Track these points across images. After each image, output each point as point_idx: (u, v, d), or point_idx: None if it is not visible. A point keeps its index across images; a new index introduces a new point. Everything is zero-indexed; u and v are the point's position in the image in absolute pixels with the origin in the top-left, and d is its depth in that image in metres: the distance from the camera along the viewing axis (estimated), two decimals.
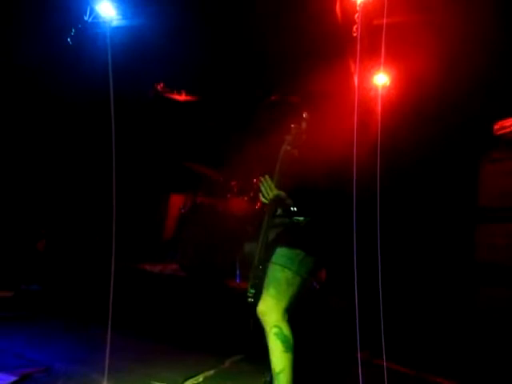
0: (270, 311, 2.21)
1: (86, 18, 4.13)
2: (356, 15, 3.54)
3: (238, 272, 4.40)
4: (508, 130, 3.74)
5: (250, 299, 2.26)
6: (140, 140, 5.46)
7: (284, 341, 2.17)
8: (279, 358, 2.17)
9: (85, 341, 3.03)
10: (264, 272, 2.28)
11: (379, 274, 1.98)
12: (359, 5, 3.66)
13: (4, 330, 3.17)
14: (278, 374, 2.16)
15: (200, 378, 2.70)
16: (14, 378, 2.39)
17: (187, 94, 5.23)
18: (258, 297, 2.28)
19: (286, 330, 2.19)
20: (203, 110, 5.17)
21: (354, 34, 3.70)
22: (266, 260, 2.30)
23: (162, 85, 5.11)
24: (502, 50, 4.03)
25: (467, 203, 3.94)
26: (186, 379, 2.65)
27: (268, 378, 2.28)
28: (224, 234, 4.58)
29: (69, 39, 4.25)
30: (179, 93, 5.21)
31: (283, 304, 2.22)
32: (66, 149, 5.15)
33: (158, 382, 2.55)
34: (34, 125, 4.77)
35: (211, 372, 2.82)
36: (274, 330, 2.18)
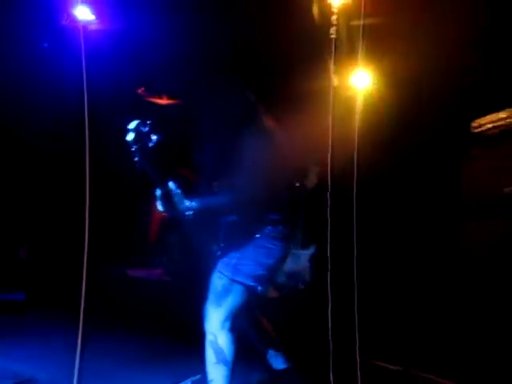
0: (209, 318, 2.13)
1: (62, 22, 4.08)
2: (333, 17, 3.56)
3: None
4: (485, 127, 3.81)
5: None
6: (121, 144, 5.41)
7: (217, 352, 2.08)
8: (210, 369, 2.11)
9: (68, 349, 2.99)
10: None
11: (355, 272, 1.99)
12: (337, 6, 3.69)
13: None
14: (209, 382, 2.12)
15: (188, 383, 2.68)
16: None
17: (169, 97, 5.20)
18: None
19: (222, 341, 2.08)
20: (185, 113, 5.15)
21: (332, 36, 3.72)
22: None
23: (142, 89, 5.08)
24: (480, 49, 4.10)
25: (450, 201, 4.00)
26: None
27: (196, 378, 2.29)
28: (207, 236, 4.56)
29: (45, 43, 4.20)
30: (160, 97, 5.18)
31: (222, 312, 2.10)
32: (43, 155, 5.09)
33: None
34: (9, 130, 4.70)
35: (198, 376, 2.80)
36: (210, 337, 2.11)
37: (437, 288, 3.85)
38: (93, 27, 3.92)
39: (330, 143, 1.98)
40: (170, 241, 4.77)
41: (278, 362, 2.39)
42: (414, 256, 4.13)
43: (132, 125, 2.10)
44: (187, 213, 2.17)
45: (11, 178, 4.92)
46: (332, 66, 4.20)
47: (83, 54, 2.19)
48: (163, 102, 5.24)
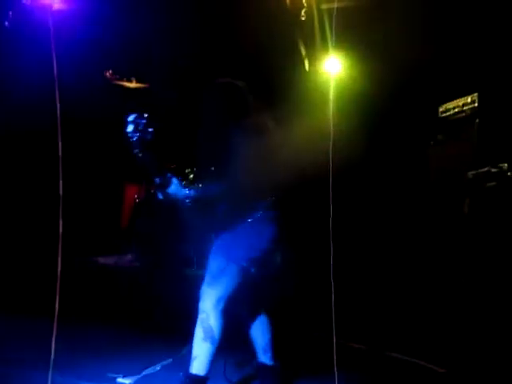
0: (204, 297, 2.20)
1: (24, 1, 3.91)
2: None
3: (194, 260, 4.39)
4: (452, 112, 3.90)
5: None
6: (91, 129, 5.28)
7: (206, 329, 2.17)
8: (197, 345, 2.20)
9: (35, 338, 2.94)
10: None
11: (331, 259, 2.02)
12: None
13: None
14: (193, 359, 2.20)
15: (157, 367, 2.69)
16: None
17: (138, 81, 5.09)
18: None
19: (213, 320, 2.17)
20: (154, 96, 5.06)
21: (303, 18, 3.72)
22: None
23: (110, 72, 4.96)
24: (449, 35, 4.17)
25: (419, 181, 4.08)
26: (144, 369, 2.62)
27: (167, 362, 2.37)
28: (178, 223, 4.54)
29: (6, 22, 4.02)
30: (129, 80, 5.07)
31: (217, 292, 2.18)
32: (12, 140, 4.92)
33: (114, 374, 2.52)
34: None
35: (169, 361, 2.81)
36: (202, 315, 2.19)
37: (410, 271, 3.96)
38: (55, 6, 3.78)
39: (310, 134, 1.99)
40: (141, 227, 4.72)
41: (266, 358, 2.43)
42: (387, 240, 4.23)
43: (131, 117, 2.18)
44: (185, 201, 2.28)
45: None
46: (303, 50, 4.21)
47: (52, 34, 2.11)
48: (132, 85, 5.15)
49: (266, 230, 2.27)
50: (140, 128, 2.17)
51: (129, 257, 4.67)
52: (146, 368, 2.64)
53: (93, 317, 3.48)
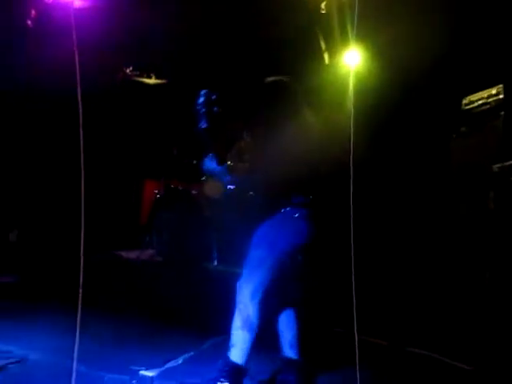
0: (241, 289, 2.28)
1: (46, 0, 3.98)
2: None
3: (214, 255, 4.41)
4: (476, 104, 3.80)
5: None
6: (111, 126, 5.34)
7: (244, 319, 2.23)
8: (235, 333, 2.26)
9: (60, 329, 3.00)
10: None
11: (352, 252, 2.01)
12: None
13: None
14: (231, 346, 2.27)
15: (179, 361, 2.71)
16: None
17: (157, 77, 5.12)
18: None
19: (251, 310, 2.24)
20: (174, 92, 5.08)
21: (323, 11, 3.68)
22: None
23: (130, 68, 4.99)
24: (473, 25, 4.07)
25: (441, 177, 4.00)
26: (166, 362, 2.65)
27: (189, 355, 2.52)
28: (199, 217, 4.57)
29: (29, 21, 4.08)
30: (149, 76, 5.10)
31: (254, 283, 2.25)
32: (34, 138, 5.01)
33: (137, 366, 2.54)
34: None
35: (190, 354, 2.83)
36: (240, 305, 2.26)
37: (433, 266, 3.89)
38: (77, 3, 3.82)
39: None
40: (161, 222, 4.76)
41: (291, 352, 2.47)
42: (409, 236, 4.17)
43: (203, 91, 2.38)
44: (229, 186, 2.47)
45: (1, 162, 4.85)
46: (323, 43, 4.17)
47: (74, 31, 2.13)
48: (151, 81, 5.18)
49: (303, 225, 2.34)
50: (210, 102, 2.34)
51: (150, 251, 4.72)
52: (169, 361, 2.67)
53: (115, 310, 3.53)
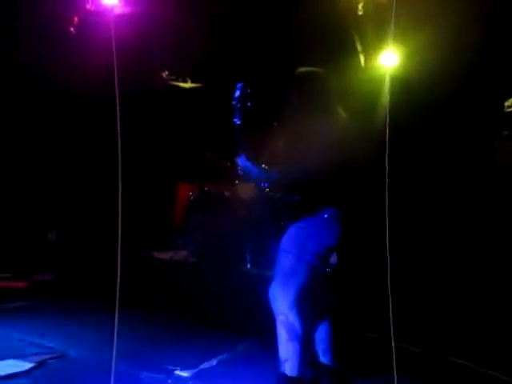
0: (278, 298, 2.18)
1: (88, 7, 4.11)
2: None
3: (247, 257, 4.41)
4: None
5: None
6: (146, 129, 5.45)
7: (289, 330, 2.14)
8: (284, 347, 2.16)
9: (97, 327, 3.07)
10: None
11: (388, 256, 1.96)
12: None
13: (19, 319, 3.22)
14: (284, 361, 2.17)
15: (214, 362, 2.72)
16: (30, 365, 2.43)
17: (193, 81, 5.20)
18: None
19: (293, 319, 2.15)
20: (209, 96, 5.14)
21: (360, 13, 3.64)
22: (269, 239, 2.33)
23: (166, 72, 5.09)
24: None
25: (483, 178, 3.88)
26: (201, 363, 2.67)
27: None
28: (232, 219, 4.58)
29: (71, 28, 4.23)
30: (184, 80, 5.19)
31: (291, 292, 2.16)
32: (74, 140, 5.17)
33: (172, 366, 2.57)
34: (40, 118, 4.78)
35: (224, 356, 2.83)
36: (281, 317, 2.16)
37: (474, 272, 3.76)
38: (117, 11, 3.93)
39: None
40: (195, 223, 4.81)
41: (325, 358, 2.41)
42: (448, 240, 4.04)
43: (239, 85, 2.33)
44: (264, 183, 2.33)
45: (42, 163, 5.03)
46: (359, 45, 4.12)
47: (113, 37, 2.19)
48: (187, 85, 5.27)
49: (336, 227, 2.26)
50: (244, 96, 2.29)
51: (183, 252, 4.77)
52: (203, 362, 2.68)
53: (150, 309, 3.59)
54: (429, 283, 3.91)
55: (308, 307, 2.29)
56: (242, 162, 2.39)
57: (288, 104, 2.36)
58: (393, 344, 1.92)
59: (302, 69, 2.41)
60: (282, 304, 2.16)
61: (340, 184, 2.27)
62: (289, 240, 2.24)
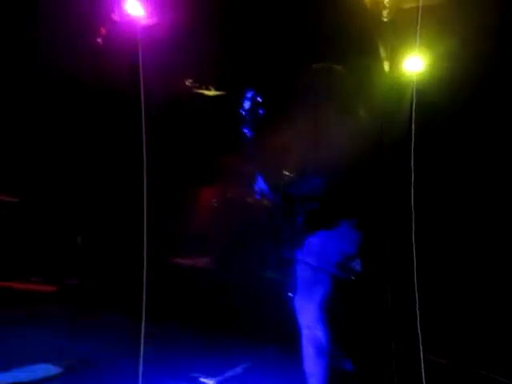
0: (302, 312, 2.11)
1: (114, 17, 4.20)
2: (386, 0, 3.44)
3: (271, 264, 4.40)
4: None
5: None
6: (170, 135, 5.53)
7: (315, 345, 2.06)
8: (310, 362, 2.09)
9: (125, 333, 3.11)
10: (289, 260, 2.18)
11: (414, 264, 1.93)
12: None
13: (48, 323, 3.30)
14: (310, 376, 2.10)
15: (238, 370, 2.73)
16: (58, 370, 2.49)
17: (216, 89, 5.25)
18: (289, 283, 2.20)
19: (319, 334, 2.07)
20: (232, 103, 5.18)
21: (385, 19, 3.61)
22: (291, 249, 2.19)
23: (190, 80, 5.15)
24: None
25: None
26: (225, 370, 2.68)
27: (247, 365, 2.39)
28: (256, 226, 4.58)
29: (98, 39, 4.33)
30: (208, 88, 5.24)
31: (315, 305, 2.08)
32: (100, 145, 5.28)
33: (196, 373, 2.60)
34: (68, 125, 4.90)
35: (249, 364, 2.84)
36: (306, 331, 2.09)
37: (498, 284, 3.67)
38: (143, 21, 4.01)
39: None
40: (218, 230, 4.83)
41: (343, 362, 2.31)
42: (481, 247, 3.94)
43: (249, 94, 2.15)
44: (277, 195, 2.19)
45: (70, 168, 5.15)
46: (383, 51, 4.08)
47: (140, 48, 2.24)
48: (211, 93, 5.32)
49: (356, 235, 2.18)
50: (255, 106, 2.12)
51: (206, 259, 4.80)
52: (227, 370, 2.70)
53: (174, 315, 3.62)
54: (458, 291, 3.83)
55: (334, 320, 2.21)
56: (259, 185, 2.23)
57: (303, 104, 2.21)
58: (421, 355, 1.89)
59: (317, 65, 2.28)
60: (307, 317, 2.09)
61: (362, 191, 2.17)
62: (307, 251, 2.16)
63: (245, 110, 2.15)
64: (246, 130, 2.15)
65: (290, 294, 2.25)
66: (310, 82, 2.23)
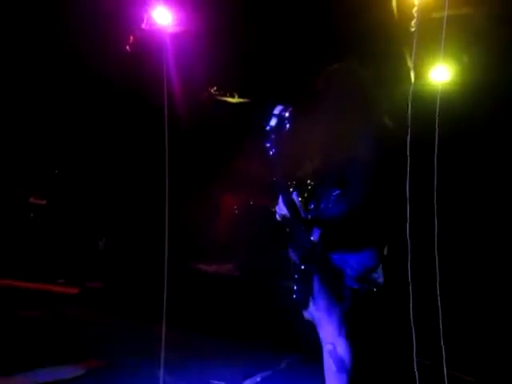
0: (323, 326, 2.04)
1: (142, 26, 4.28)
2: (414, 9, 3.41)
3: (293, 271, 4.38)
4: None
5: (294, 295, 2.11)
6: (193, 142, 5.58)
7: (337, 360, 2.00)
8: (332, 378, 2.02)
9: (144, 337, 3.14)
10: (308, 270, 2.08)
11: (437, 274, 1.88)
12: None
13: (71, 325, 3.34)
14: None
15: (258, 378, 2.71)
16: (80, 371, 2.51)
17: (239, 96, 5.29)
18: (305, 294, 2.12)
19: (341, 348, 2.00)
20: (255, 110, 5.20)
21: (412, 29, 3.57)
22: (309, 259, 2.08)
23: (214, 88, 5.21)
24: None
25: None
26: (245, 378, 2.67)
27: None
28: (278, 234, 4.57)
29: (127, 47, 4.42)
30: (232, 95, 5.29)
31: (336, 319, 2.02)
32: (124, 151, 5.37)
33: (216, 380, 2.59)
34: (93, 131, 5.01)
35: (269, 373, 2.82)
36: (328, 346, 2.02)
37: None
38: (170, 29, 4.08)
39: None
40: (241, 237, 4.84)
41: (365, 377, 2.28)
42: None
43: (277, 110, 2.02)
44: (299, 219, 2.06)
45: (93, 175, 5.25)
46: (411, 62, 4.04)
47: (165, 56, 2.28)
48: (234, 100, 5.36)
49: (378, 247, 2.11)
50: (282, 122, 2.00)
51: (229, 266, 4.81)
52: (247, 378, 2.68)
53: (197, 323, 3.63)
54: (483, 307, 3.74)
55: (356, 335, 2.13)
56: (280, 209, 2.09)
57: (324, 108, 2.12)
58: (445, 371, 1.84)
59: (335, 65, 2.18)
60: (327, 331, 2.02)
61: (386, 209, 2.06)
62: (329, 265, 2.06)
63: (270, 127, 2.01)
64: (268, 145, 2.01)
65: (306, 309, 2.17)
66: (328, 85, 2.15)
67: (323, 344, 2.04)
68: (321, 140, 2.14)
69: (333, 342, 2.00)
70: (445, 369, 1.90)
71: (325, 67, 2.19)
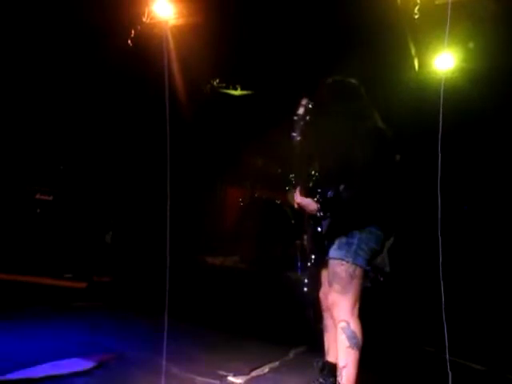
0: (338, 306, 2.20)
1: (143, 19, 4.27)
2: None
3: (298, 264, 4.39)
4: None
5: (305, 288, 2.29)
6: (197, 134, 5.58)
7: (350, 337, 2.14)
8: (343, 353, 2.15)
9: (152, 330, 3.15)
10: (317, 261, 2.28)
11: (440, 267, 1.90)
12: None
13: (80, 318, 3.37)
14: (342, 368, 2.15)
15: (266, 369, 2.73)
16: (91, 364, 2.54)
17: (242, 88, 5.28)
18: (314, 285, 2.29)
19: (354, 326, 2.16)
20: (258, 102, 5.19)
21: (416, 16, 3.55)
22: (319, 249, 2.28)
23: (217, 80, 5.20)
24: None
25: None
26: (252, 370, 2.68)
27: (320, 364, 2.34)
28: (283, 226, 4.58)
29: (129, 41, 4.41)
30: (234, 87, 5.27)
31: (351, 298, 2.18)
32: (128, 144, 5.38)
33: (223, 371, 2.61)
34: (96, 125, 5.02)
35: (276, 363, 2.83)
36: (341, 324, 2.17)
37: None
38: (172, 22, 4.07)
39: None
40: (246, 229, 4.85)
41: (332, 357, 2.34)
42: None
43: (304, 101, 2.27)
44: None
45: (99, 169, 5.26)
46: (413, 48, 4.01)
47: (165, 48, 2.27)
48: (237, 93, 5.35)
49: (382, 232, 2.26)
50: (308, 113, 2.24)
51: (234, 258, 4.83)
52: (255, 369, 2.70)
53: (203, 314, 3.65)
54: (490, 295, 3.73)
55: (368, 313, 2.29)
56: (297, 197, 2.32)
57: (325, 114, 2.32)
58: (447, 357, 1.85)
59: (330, 78, 2.41)
60: (342, 311, 2.17)
61: (388, 197, 2.24)
62: (340, 248, 2.23)
63: (297, 116, 2.24)
64: (295, 134, 2.26)
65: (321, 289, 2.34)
66: (327, 92, 2.37)
67: (336, 322, 2.19)
68: (324, 140, 2.34)
69: (347, 320, 2.16)
70: (447, 355, 1.91)
71: (323, 80, 2.41)
